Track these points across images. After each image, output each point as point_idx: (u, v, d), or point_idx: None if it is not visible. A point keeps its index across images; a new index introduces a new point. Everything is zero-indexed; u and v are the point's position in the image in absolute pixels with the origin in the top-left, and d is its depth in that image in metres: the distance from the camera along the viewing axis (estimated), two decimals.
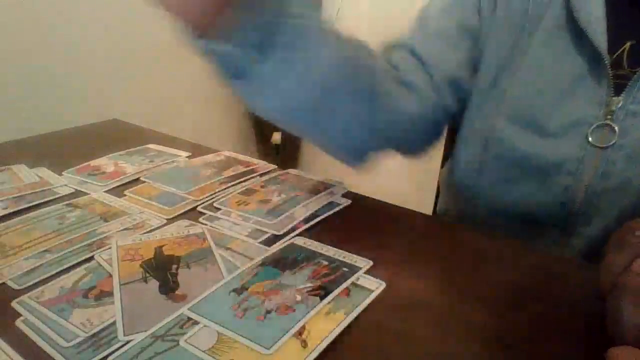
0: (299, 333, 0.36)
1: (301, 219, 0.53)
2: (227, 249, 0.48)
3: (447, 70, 0.59)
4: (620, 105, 0.48)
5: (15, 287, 0.42)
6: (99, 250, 0.47)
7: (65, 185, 0.63)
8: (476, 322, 0.38)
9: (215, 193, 0.60)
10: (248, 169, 0.68)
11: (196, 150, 0.75)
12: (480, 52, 0.59)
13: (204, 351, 0.34)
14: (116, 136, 0.87)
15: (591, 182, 0.51)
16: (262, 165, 0.69)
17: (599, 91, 0.49)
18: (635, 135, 0.48)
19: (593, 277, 0.37)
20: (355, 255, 0.46)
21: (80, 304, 0.39)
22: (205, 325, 0.36)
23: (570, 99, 0.51)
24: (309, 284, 0.41)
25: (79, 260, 0.46)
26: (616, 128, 0.48)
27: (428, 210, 0.84)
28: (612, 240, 0.37)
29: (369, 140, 0.55)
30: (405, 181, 1.70)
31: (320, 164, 1.86)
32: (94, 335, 0.36)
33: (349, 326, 0.37)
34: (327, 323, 0.37)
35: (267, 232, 0.51)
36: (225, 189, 0.61)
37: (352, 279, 0.42)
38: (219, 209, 0.56)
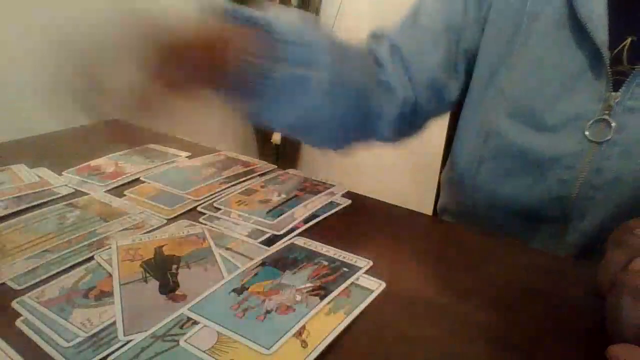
0: (299, 333, 0.36)
1: (301, 219, 0.53)
2: (227, 249, 0.48)
3: (427, 71, 0.60)
4: (618, 100, 0.48)
5: (15, 287, 0.42)
6: (99, 250, 0.47)
7: (65, 185, 0.63)
8: (476, 322, 0.38)
9: (215, 193, 0.60)
10: (248, 169, 0.68)
11: (196, 150, 0.75)
12: (473, 50, 0.60)
13: (204, 351, 0.34)
14: (116, 136, 0.87)
15: (586, 176, 0.51)
16: (262, 165, 0.69)
17: (598, 87, 0.49)
18: (630, 131, 0.48)
19: (592, 275, 0.37)
20: (355, 255, 0.46)
21: (80, 304, 0.39)
22: (205, 325, 0.36)
23: (570, 94, 0.51)
24: (309, 284, 0.41)
25: (79, 260, 0.46)
26: (613, 124, 0.48)
27: (428, 210, 0.84)
28: (610, 239, 0.37)
29: (345, 137, 0.58)
30: (405, 181, 1.70)
31: (320, 164, 1.86)
32: (94, 335, 0.36)
33: (349, 326, 0.37)
34: (327, 323, 0.37)
35: (267, 232, 0.51)
36: (225, 189, 0.61)
37: (352, 279, 0.42)
38: (219, 209, 0.56)
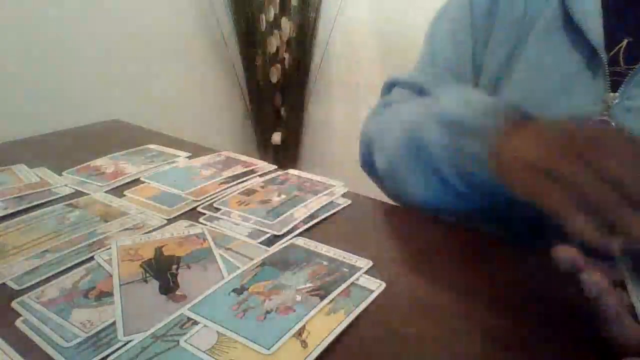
0: (299, 333, 0.36)
1: (301, 219, 0.53)
2: (227, 249, 0.48)
3: None
4: (616, 101, 0.48)
5: (15, 287, 0.42)
6: (99, 251, 0.47)
7: (65, 185, 0.63)
8: (476, 322, 0.38)
9: (215, 193, 0.60)
10: (248, 169, 0.68)
11: (196, 150, 0.75)
12: (480, 65, 0.60)
13: (204, 351, 0.34)
14: (116, 136, 0.87)
15: None
16: (262, 165, 0.69)
17: (596, 88, 0.49)
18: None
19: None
20: (355, 255, 0.46)
21: (80, 304, 0.39)
22: (205, 326, 0.36)
23: (568, 96, 0.51)
24: (309, 284, 0.41)
25: (79, 260, 0.46)
26: (612, 124, 0.48)
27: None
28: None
29: None
30: None
31: (320, 164, 1.86)
32: (94, 335, 0.36)
33: (349, 326, 0.37)
34: (327, 323, 0.37)
35: (267, 232, 0.51)
36: (225, 189, 0.61)
37: (352, 279, 0.42)
38: (219, 209, 0.56)
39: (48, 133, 0.85)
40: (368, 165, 0.60)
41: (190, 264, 0.45)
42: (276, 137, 1.73)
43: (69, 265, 0.45)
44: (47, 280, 0.43)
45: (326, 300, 0.39)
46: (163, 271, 0.44)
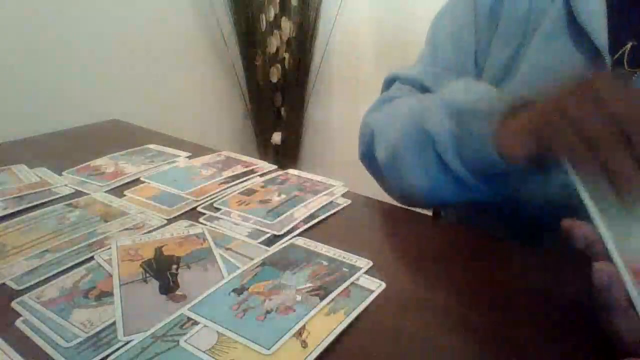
0: (299, 333, 0.36)
1: (301, 219, 0.53)
2: (227, 249, 0.48)
3: None
4: None
5: (15, 287, 0.42)
6: (99, 250, 0.47)
7: (65, 185, 0.63)
8: (476, 322, 0.38)
9: (215, 193, 0.60)
10: (248, 169, 0.68)
11: (196, 150, 0.75)
12: (483, 63, 0.60)
13: (204, 351, 0.34)
14: (116, 136, 0.87)
15: None
16: (262, 165, 0.69)
17: None
18: None
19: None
20: (355, 255, 0.46)
21: (80, 304, 0.39)
22: (205, 326, 0.36)
23: None
24: (309, 284, 0.41)
25: (79, 260, 0.46)
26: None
27: (428, 210, 0.83)
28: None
29: None
30: None
31: (320, 164, 1.86)
32: (94, 335, 0.36)
33: (349, 326, 0.37)
34: (327, 323, 0.37)
35: (267, 232, 0.51)
36: (225, 189, 0.61)
37: (352, 279, 0.42)
38: (219, 209, 0.56)
39: (48, 133, 0.85)
40: (368, 157, 0.60)
41: (190, 264, 0.45)
42: (276, 137, 1.73)
43: (69, 265, 0.45)
44: (47, 280, 0.43)
45: (326, 300, 0.39)
46: (163, 271, 0.44)
